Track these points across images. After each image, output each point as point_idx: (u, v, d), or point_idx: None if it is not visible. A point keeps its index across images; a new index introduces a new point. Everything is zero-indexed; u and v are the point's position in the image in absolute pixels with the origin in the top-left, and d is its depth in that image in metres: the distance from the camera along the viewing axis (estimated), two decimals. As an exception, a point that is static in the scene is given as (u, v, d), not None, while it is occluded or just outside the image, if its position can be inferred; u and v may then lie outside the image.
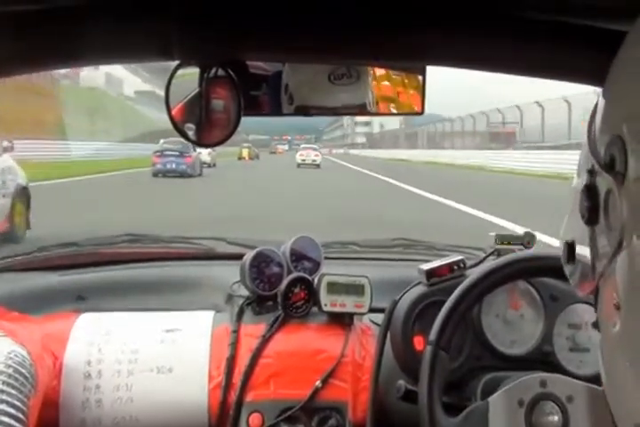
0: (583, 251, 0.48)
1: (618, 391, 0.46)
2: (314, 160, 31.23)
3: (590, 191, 0.46)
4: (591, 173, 0.46)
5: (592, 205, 0.46)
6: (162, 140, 22.20)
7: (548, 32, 0.55)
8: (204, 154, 25.19)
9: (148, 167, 20.68)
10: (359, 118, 66.62)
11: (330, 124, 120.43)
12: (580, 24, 0.52)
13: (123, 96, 44.63)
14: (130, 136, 36.46)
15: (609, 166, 0.44)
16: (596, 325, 0.50)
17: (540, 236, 1.28)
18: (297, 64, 0.68)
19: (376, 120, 76.11)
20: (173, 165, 19.81)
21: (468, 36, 0.57)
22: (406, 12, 0.55)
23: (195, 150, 20.71)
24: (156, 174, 19.82)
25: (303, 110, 0.69)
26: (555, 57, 0.57)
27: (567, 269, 0.52)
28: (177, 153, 19.66)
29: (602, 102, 0.46)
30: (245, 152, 40.67)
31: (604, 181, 0.44)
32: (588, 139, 0.47)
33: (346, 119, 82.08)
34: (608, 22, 0.51)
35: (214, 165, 28.36)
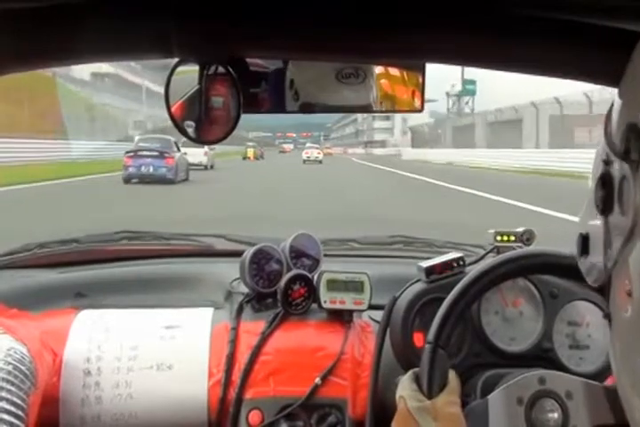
0: (597, 242, 0.49)
1: (629, 378, 0.46)
2: (316, 157, 38.09)
3: (605, 181, 0.47)
4: (606, 162, 0.47)
5: (606, 194, 0.47)
6: (137, 137, 18.65)
7: (558, 31, 0.55)
8: (199, 154, 21.41)
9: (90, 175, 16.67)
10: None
11: (338, 121, 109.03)
12: (593, 24, 0.52)
13: (56, 76, 30.34)
14: (69, 130, 27.38)
15: (624, 154, 0.44)
16: (606, 316, 0.50)
17: None
18: (302, 61, 0.68)
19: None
20: (150, 169, 15.90)
21: (473, 34, 0.56)
22: (408, 10, 0.55)
23: (179, 150, 17.09)
24: (127, 180, 16.00)
25: (308, 108, 0.69)
26: (564, 56, 0.57)
27: (580, 261, 0.52)
28: (155, 153, 16.09)
29: (618, 100, 0.47)
30: (251, 152, 40.15)
31: (619, 169, 0.45)
32: (605, 130, 0.48)
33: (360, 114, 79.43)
34: (623, 22, 0.51)
35: (212, 166, 23.73)
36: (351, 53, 0.61)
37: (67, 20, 0.55)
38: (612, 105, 0.48)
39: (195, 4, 0.55)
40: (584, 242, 0.51)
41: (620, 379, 0.48)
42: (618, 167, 0.45)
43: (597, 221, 0.48)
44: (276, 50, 0.60)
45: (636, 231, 0.43)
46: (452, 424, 0.86)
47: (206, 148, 20.79)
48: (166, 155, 16.25)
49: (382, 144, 77.09)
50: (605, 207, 0.47)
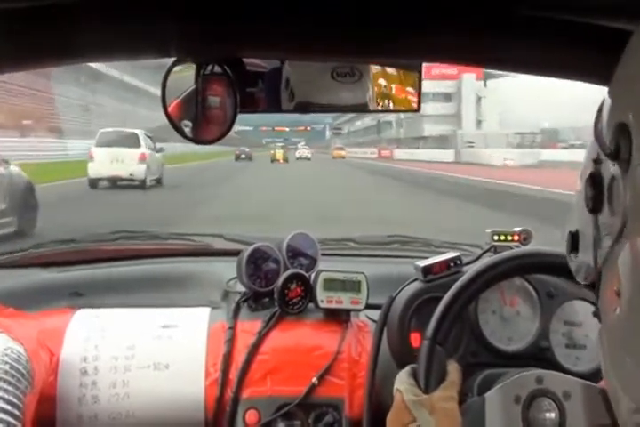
0: (586, 240, 0.49)
1: (617, 376, 0.46)
2: (306, 156, 47.43)
3: (595, 180, 0.47)
4: (596, 161, 0.47)
5: (596, 194, 0.47)
6: None
7: (556, 31, 0.55)
8: (130, 159, 12.96)
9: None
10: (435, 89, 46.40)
11: (343, 114, 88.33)
12: (585, 23, 0.52)
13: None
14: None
15: (614, 154, 0.44)
16: (596, 313, 0.50)
17: None
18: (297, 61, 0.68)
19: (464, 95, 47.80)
20: None
21: (470, 34, 0.56)
22: (407, 10, 0.55)
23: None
24: None
25: (304, 107, 0.69)
26: (562, 56, 0.57)
27: (570, 258, 0.52)
28: None
29: (608, 99, 0.47)
30: (280, 154, 37.98)
31: (609, 169, 0.45)
32: (595, 129, 0.48)
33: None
34: (614, 21, 0.51)
35: (157, 181, 14.13)
36: (349, 54, 0.61)
37: (64, 19, 0.55)
38: (602, 103, 0.48)
39: (192, 5, 0.55)
40: (573, 239, 0.51)
41: (609, 378, 0.48)
42: (608, 167, 0.45)
43: (587, 219, 0.48)
44: (272, 50, 0.60)
45: (625, 232, 0.43)
46: (448, 419, 0.86)
47: (144, 147, 13.38)
48: None
49: (441, 142, 47.62)
50: (595, 207, 0.47)
